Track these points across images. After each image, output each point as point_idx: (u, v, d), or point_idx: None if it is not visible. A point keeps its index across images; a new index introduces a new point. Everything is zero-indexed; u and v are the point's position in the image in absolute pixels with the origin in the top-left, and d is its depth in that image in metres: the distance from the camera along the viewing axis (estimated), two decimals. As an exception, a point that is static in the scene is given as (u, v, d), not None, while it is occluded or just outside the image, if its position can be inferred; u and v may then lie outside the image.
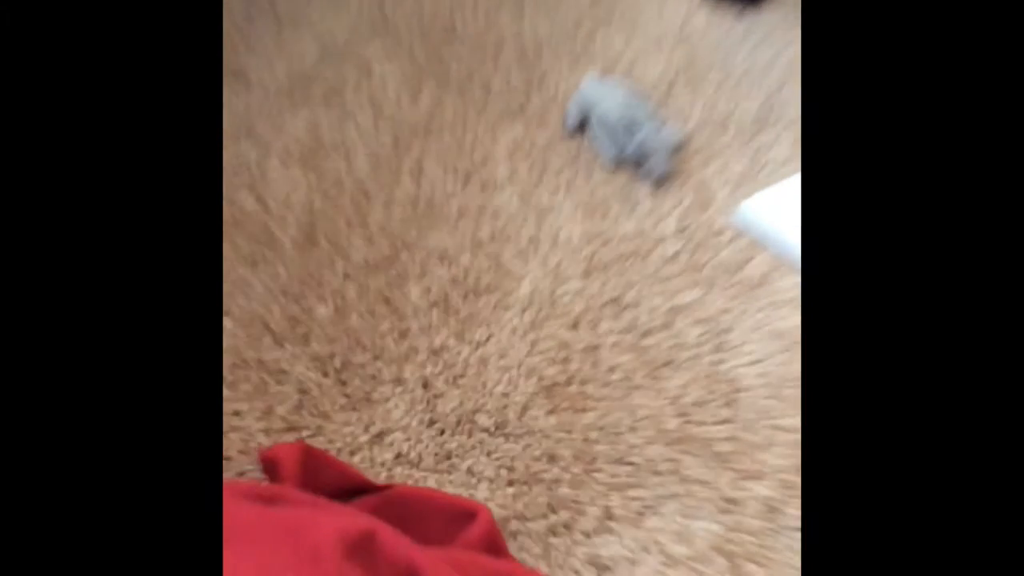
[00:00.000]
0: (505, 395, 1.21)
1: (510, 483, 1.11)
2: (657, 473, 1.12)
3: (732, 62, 1.87)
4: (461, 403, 1.20)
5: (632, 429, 1.16)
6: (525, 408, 1.19)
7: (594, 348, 1.27)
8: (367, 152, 1.59)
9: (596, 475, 1.12)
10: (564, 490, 1.10)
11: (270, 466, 1.04)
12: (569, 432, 1.16)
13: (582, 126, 1.64)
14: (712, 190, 1.52)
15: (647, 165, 1.52)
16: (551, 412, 1.19)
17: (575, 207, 1.48)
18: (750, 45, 1.95)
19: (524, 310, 1.32)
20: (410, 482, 1.11)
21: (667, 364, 1.25)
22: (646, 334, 1.28)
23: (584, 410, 1.19)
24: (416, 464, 1.12)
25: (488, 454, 1.14)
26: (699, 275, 1.37)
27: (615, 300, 1.33)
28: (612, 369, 1.24)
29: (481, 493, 1.10)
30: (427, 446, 1.14)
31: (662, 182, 1.53)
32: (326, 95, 1.73)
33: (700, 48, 1.93)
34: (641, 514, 1.08)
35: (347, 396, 1.20)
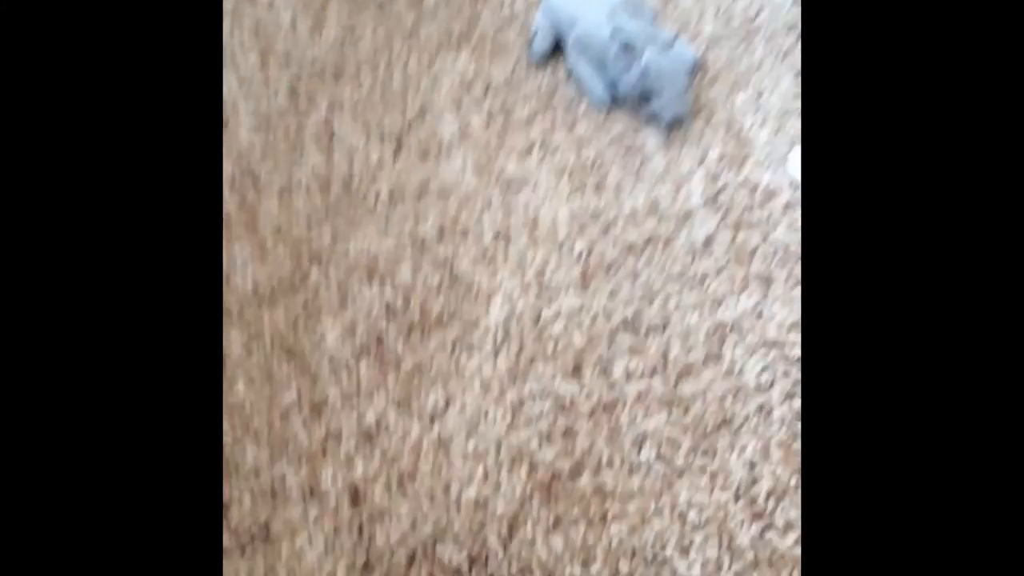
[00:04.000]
0: (481, 505, 0.78)
1: (502, 675, 0.70)
2: (734, 630, 0.71)
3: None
4: (413, 526, 0.77)
5: (683, 550, 0.75)
6: (514, 525, 0.77)
7: (609, 407, 0.84)
8: (253, 113, 1.11)
9: (638, 643, 0.71)
10: None
11: None
12: (587, 563, 0.75)
13: (555, 51, 1.17)
14: (747, 132, 1.07)
15: (654, 104, 1.06)
16: (555, 528, 0.77)
17: (556, 176, 1.03)
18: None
19: (498, 351, 0.88)
20: None
21: (722, 426, 0.82)
22: (684, 376, 0.86)
23: (605, 519, 0.77)
24: (347, 652, 0.70)
25: (462, 618, 0.72)
26: (748, 269, 0.94)
27: (630, 322, 0.90)
28: (639, 442, 0.82)
29: None
30: (363, 613, 0.72)
31: (676, 126, 1.08)
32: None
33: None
34: None
35: (233, 533, 0.77)
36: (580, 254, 0.96)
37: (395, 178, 1.03)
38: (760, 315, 0.90)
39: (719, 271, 0.94)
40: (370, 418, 0.83)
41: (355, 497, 0.78)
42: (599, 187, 1.01)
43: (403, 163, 1.05)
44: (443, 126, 1.09)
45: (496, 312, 0.91)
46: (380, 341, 0.89)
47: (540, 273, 0.94)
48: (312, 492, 0.79)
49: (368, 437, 0.82)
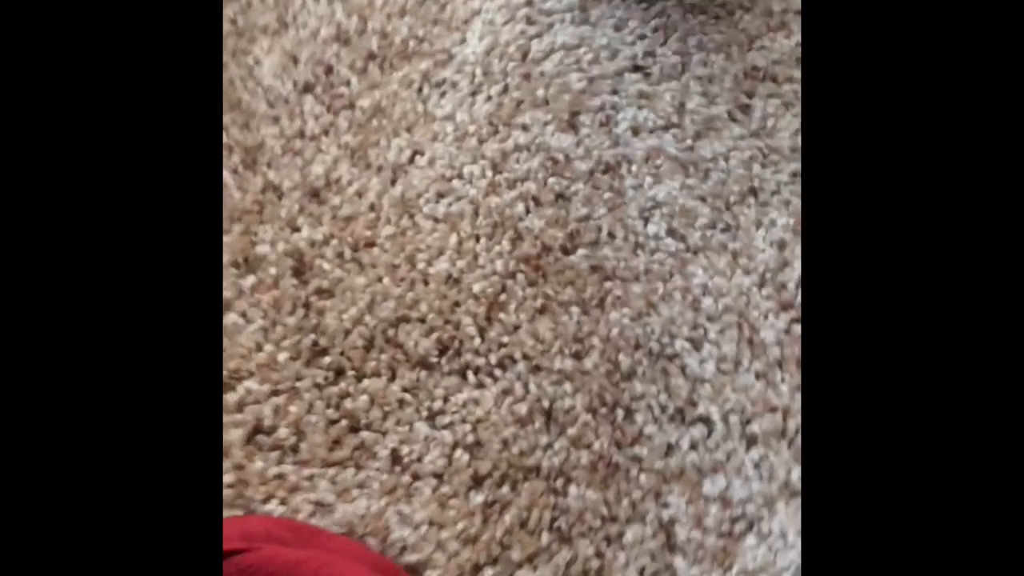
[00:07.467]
0: (454, 281, 0.65)
1: (476, 482, 0.59)
2: (751, 440, 0.61)
3: None
4: (371, 303, 0.64)
5: (695, 343, 0.63)
6: (493, 307, 0.64)
7: (611, 169, 0.69)
8: None
9: (638, 451, 0.60)
10: (580, 493, 0.59)
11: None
12: (579, 355, 0.63)
13: None
14: None
15: None
16: (543, 311, 0.64)
17: None
18: None
19: (476, 92, 0.71)
20: (278, 499, 0.58)
21: (749, 195, 0.68)
22: (702, 134, 0.70)
23: (603, 304, 0.64)
24: (293, 453, 0.59)
25: (429, 415, 0.60)
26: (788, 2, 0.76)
27: (639, 65, 0.73)
28: (648, 213, 0.67)
29: (420, 509, 0.58)
30: (311, 408, 0.60)
31: None
32: None
33: None
34: (730, 535, 0.58)
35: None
36: (580, -25, 0.76)
37: None
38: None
39: (753, 3, 0.76)
40: (317, 169, 0.67)
41: (299, 267, 0.64)
42: None
43: None
44: None
45: (475, 43, 0.73)
46: (329, 74, 0.71)
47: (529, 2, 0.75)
48: (246, 258, 0.64)
49: (314, 193, 0.66)
